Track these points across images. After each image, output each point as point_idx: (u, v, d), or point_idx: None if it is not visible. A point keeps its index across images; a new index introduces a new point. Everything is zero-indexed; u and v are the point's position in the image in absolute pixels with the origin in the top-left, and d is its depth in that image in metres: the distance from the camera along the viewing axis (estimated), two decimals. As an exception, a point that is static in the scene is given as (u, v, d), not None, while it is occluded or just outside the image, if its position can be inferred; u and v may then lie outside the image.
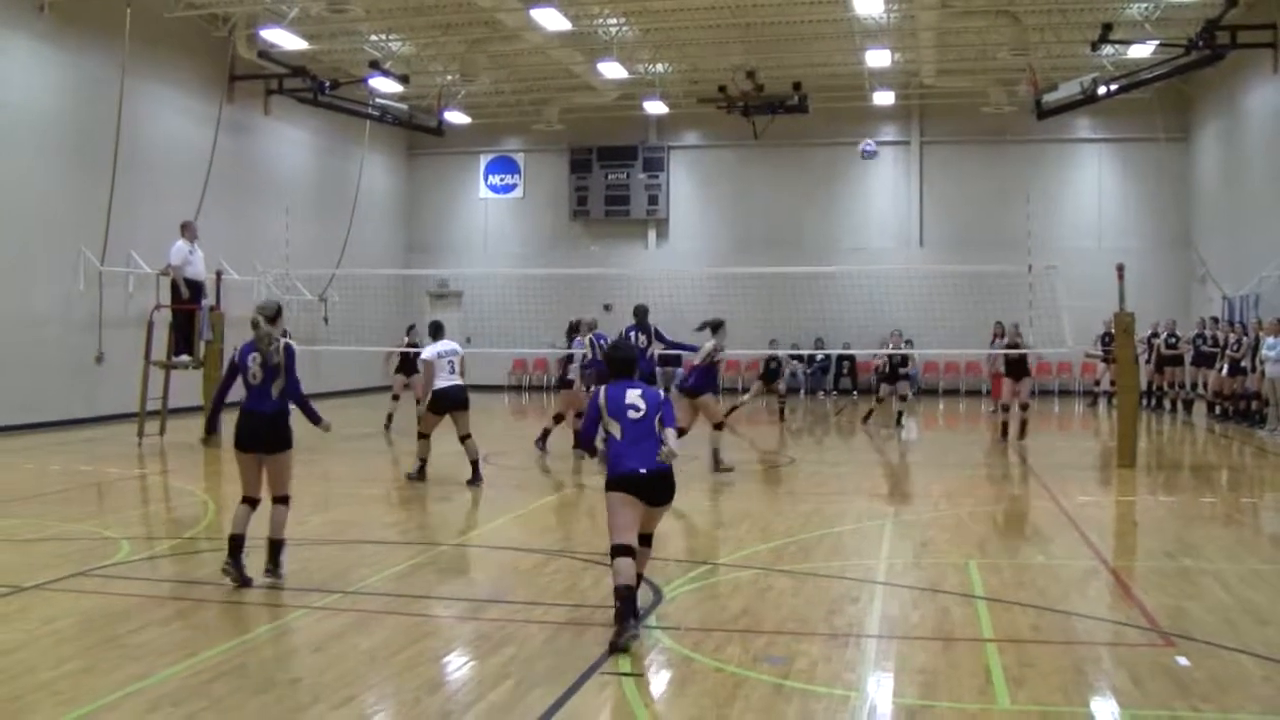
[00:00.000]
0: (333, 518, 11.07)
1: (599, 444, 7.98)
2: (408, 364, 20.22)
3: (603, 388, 7.12)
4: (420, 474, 13.14)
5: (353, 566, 8.86)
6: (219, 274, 18.04)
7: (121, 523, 10.78)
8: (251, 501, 8.08)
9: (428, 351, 13.19)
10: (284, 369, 8.02)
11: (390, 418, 19.96)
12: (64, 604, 7.42)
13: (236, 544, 7.89)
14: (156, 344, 17.46)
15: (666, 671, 6.11)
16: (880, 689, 5.86)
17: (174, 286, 17.03)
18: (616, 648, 6.26)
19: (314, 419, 8.38)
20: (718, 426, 14.41)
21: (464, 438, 13.05)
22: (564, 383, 17.02)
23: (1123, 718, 5.38)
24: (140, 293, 21.12)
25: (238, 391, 8.20)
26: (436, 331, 13.61)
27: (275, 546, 8.04)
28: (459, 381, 13.03)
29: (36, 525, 10.35)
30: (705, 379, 14.43)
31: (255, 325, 8.11)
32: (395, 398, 20.34)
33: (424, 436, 13.28)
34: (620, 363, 7.24)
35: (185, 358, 17.16)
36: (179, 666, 6.05)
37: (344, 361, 25.54)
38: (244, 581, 7.79)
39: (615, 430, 6.85)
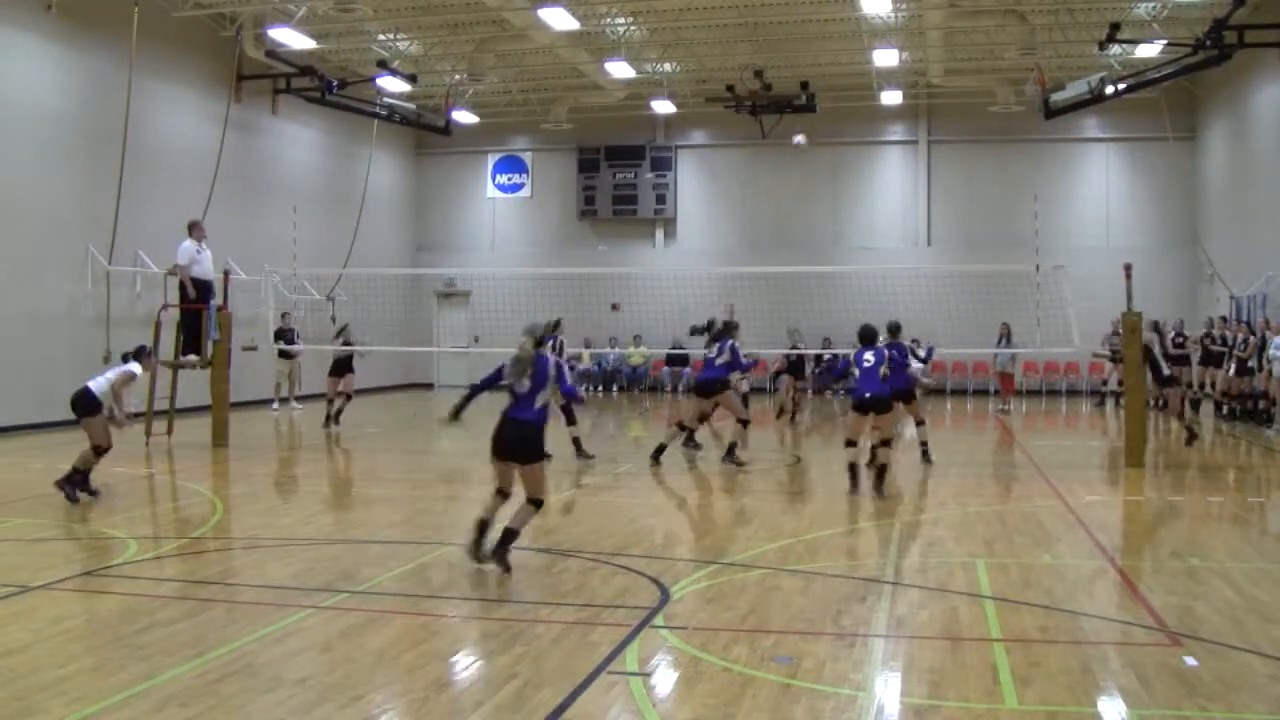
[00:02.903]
0: (340, 517, 11.09)
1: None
2: (339, 365, 20.17)
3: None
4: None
5: (360, 566, 8.88)
6: (226, 274, 18.06)
7: (129, 522, 10.80)
8: (504, 494, 8.58)
9: None
10: (553, 380, 8.52)
11: (329, 418, 19.74)
12: (71, 603, 7.45)
13: (481, 528, 8.42)
14: (164, 343, 17.49)
15: (674, 671, 6.11)
16: (888, 688, 5.85)
17: (181, 286, 17.05)
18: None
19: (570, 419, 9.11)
20: (744, 423, 14.78)
21: None
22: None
23: (1130, 718, 5.37)
24: (148, 292, 21.18)
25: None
26: None
27: (509, 535, 8.36)
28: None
29: (44, 525, 10.39)
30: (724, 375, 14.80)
31: (522, 349, 8.47)
32: (330, 400, 20.15)
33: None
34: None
35: (193, 357, 17.18)
36: (186, 666, 6.06)
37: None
38: (479, 558, 8.32)
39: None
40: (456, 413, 8.94)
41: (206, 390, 17.26)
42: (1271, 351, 18.83)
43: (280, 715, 5.38)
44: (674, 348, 28.79)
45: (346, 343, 20.09)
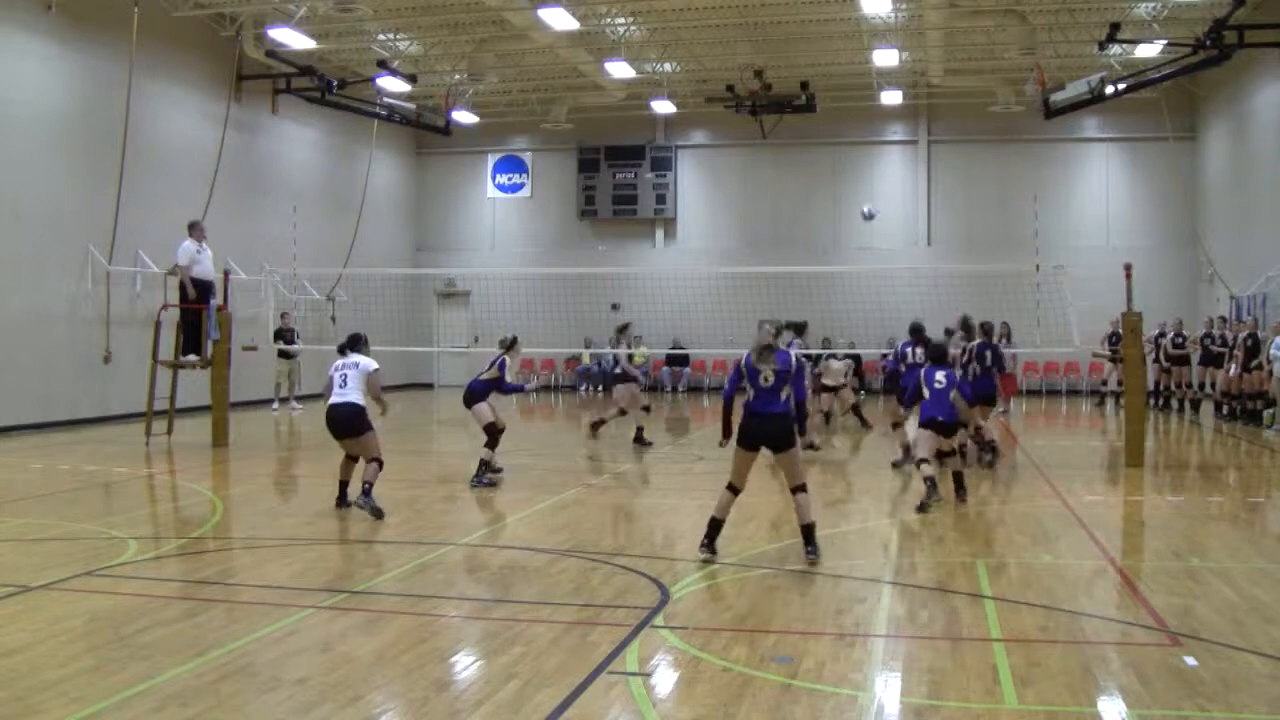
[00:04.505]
0: (339, 518, 11.07)
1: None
2: None
3: None
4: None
5: (360, 566, 8.89)
6: (226, 274, 18.06)
7: (129, 522, 10.80)
8: (735, 490, 8.85)
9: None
10: (791, 377, 8.72)
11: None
12: (71, 603, 7.44)
13: (715, 527, 8.81)
14: (164, 343, 17.48)
15: (674, 671, 6.10)
16: (888, 688, 5.85)
17: (181, 286, 17.05)
18: None
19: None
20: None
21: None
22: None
23: (1130, 718, 5.37)
24: (148, 292, 21.19)
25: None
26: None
27: (808, 529, 8.76)
28: (343, 399, 11.16)
29: (44, 525, 10.38)
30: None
31: (765, 342, 8.76)
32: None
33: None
34: None
35: (193, 357, 17.18)
36: (186, 666, 6.05)
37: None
38: (711, 552, 8.73)
39: None
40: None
41: (206, 390, 17.26)
42: (1273, 351, 18.84)
43: (280, 715, 5.38)
44: (674, 347, 28.81)
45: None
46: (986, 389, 14.11)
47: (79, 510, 11.32)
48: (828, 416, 19.42)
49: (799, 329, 16.01)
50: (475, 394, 13.43)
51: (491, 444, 13.22)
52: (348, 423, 11.10)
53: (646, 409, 17.37)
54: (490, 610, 7.44)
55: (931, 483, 11.32)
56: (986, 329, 14.60)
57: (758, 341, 8.77)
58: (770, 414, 8.64)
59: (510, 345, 13.77)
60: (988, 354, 14.15)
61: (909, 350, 14.90)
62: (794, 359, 8.81)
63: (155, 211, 21.22)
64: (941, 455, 12.05)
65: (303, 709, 5.44)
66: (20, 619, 7.05)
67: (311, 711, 5.41)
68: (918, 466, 11.75)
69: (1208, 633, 6.71)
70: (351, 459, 11.37)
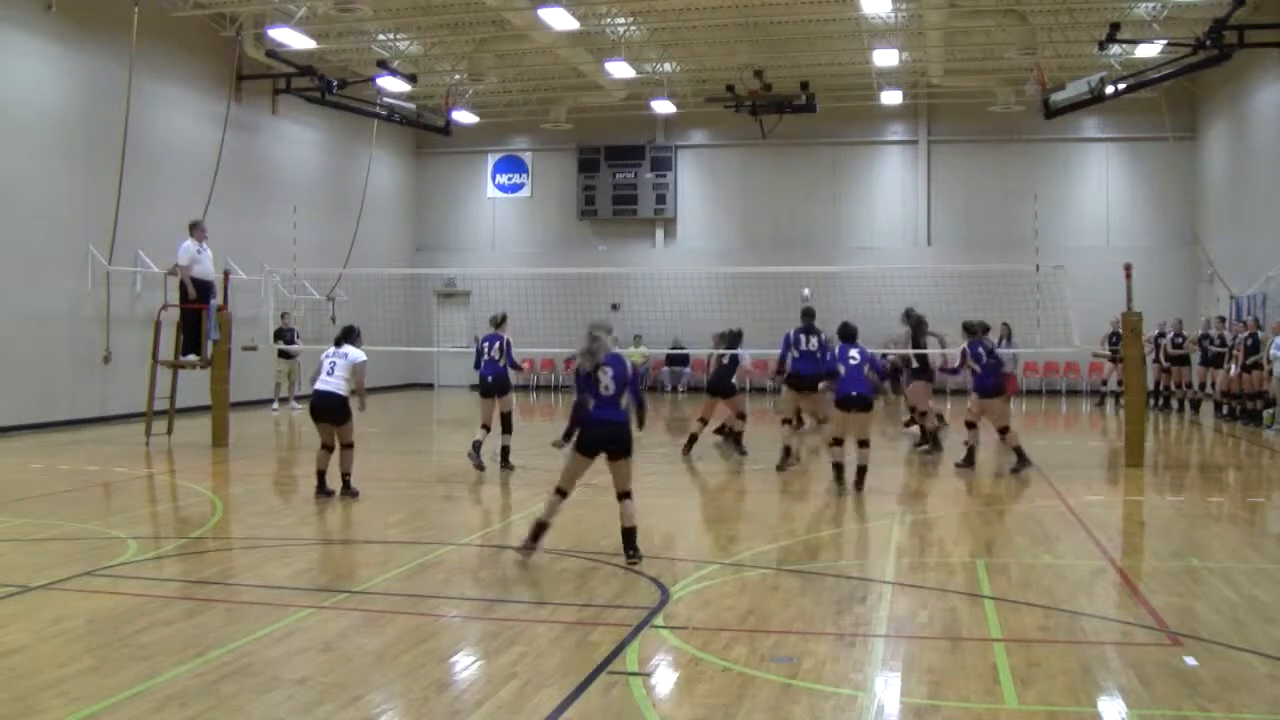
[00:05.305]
0: (340, 517, 11.09)
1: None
2: None
3: None
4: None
5: (360, 566, 8.89)
6: (226, 274, 18.06)
7: (129, 522, 10.80)
8: (563, 494, 8.89)
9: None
10: (629, 384, 8.81)
11: None
12: (71, 603, 7.44)
13: (540, 529, 8.79)
14: (164, 343, 17.48)
15: (674, 671, 6.10)
16: (888, 688, 5.85)
17: (182, 286, 17.05)
18: None
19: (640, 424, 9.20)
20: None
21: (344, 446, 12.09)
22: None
23: (1130, 718, 5.37)
24: (148, 292, 21.18)
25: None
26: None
27: (630, 533, 8.79)
28: (328, 387, 11.93)
29: (44, 525, 10.38)
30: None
31: (595, 340, 8.80)
32: None
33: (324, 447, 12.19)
34: None
35: (193, 357, 17.18)
36: (186, 666, 6.06)
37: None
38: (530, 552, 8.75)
39: None
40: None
41: (206, 390, 17.24)
42: (1273, 351, 18.84)
43: (280, 715, 5.38)
44: (674, 347, 28.81)
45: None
46: (987, 384, 14.23)
47: (79, 510, 11.32)
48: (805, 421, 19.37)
49: (734, 339, 16.07)
50: (507, 381, 14.30)
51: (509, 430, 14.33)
52: (330, 412, 11.94)
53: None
54: (490, 610, 7.44)
55: (838, 469, 12.28)
56: (971, 328, 14.68)
57: (588, 350, 8.72)
58: (610, 421, 8.69)
59: (503, 321, 14.32)
60: (981, 351, 14.22)
61: (801, 336, 14.63)
62: (629, 365, 8.83)
63: (155, 211, 21.21)
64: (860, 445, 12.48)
65: (303, 709, 5.44)
66: (20, 619, 7.05)
67: (311, 711, 5.42)
68: (830, 447, 12.59)
69: (1208, 633, 6.71)
70: (327, 449, 12.06)
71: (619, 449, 8.73)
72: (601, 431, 8.69)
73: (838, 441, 12.50)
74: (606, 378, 8.69)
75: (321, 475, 12.01)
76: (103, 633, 6.73)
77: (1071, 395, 28.88)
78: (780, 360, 14.66)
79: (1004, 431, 14.13)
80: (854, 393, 12.19)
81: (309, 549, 9.55)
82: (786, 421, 14.85)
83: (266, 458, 16.88)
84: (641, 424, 9.16)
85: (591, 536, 9.92)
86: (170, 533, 10.63)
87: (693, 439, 15.90)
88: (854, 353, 12.36)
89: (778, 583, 8.16)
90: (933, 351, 16.37)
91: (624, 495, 8.77)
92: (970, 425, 14.60)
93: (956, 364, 14.69)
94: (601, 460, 8.76)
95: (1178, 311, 24.80)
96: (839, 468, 12.38)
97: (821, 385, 13.83)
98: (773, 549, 9.39)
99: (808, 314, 14.69)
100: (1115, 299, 16.16)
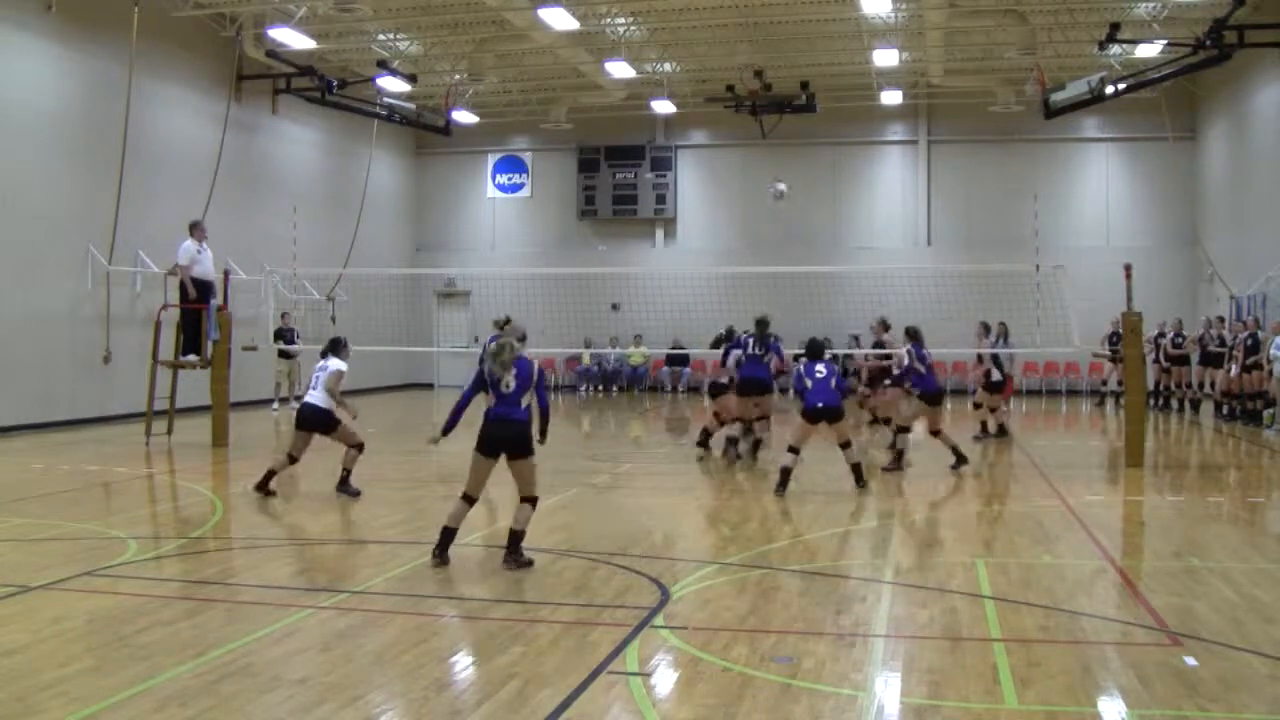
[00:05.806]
0: (339, 517, 11.09)
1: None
2: None
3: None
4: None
5: (359, 566, 8.89)
6: (226, 274, 18.05)
7: (129, 522, 10.80)
8: (470, 500, 8.72)
9: None
10: (534, 385, 8.72)
11: None
12: (71, 603, 7.44)
13: (448, 535, 8.65)
14: (164, 343, 17.48)
15: (674, 671, 6.10)
16: (888, 688, 5.85)
17: (181, 286, 17.04)
18: None
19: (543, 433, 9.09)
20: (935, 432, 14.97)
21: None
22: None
23: (1130, 718, 5.37)
24: (148, 292, 21.18)
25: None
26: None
27: (516, 537, 8.59)
28: (311, 399, 12.29)
29: (44, 525, 10.38)
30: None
31: (504, 345, 8.69)
32: None
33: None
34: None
35: (193, 357, 17.18)
36: (186, 666, 6.06)
37: (349, 361, 25.55)
38: (442, 561, 8.57)
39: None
40: None
41: (206, 390, 17.24)
42: (1273, 351, 18.84)
43: (280, 715, 5.38)
44: (674, 347, 28.81)
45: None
46: (930, 387, 14.76)
47: (79, 510, 11.33)
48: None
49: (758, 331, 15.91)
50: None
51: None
52: (310, 423, 12.21)
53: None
54: (490, 610, 7.44)
55: (786, 472, 12.32)
56: (912, 333, 15.13)
57: (497, 347, 8.66)
58: (511, 420, 8.58)
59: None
60: (926, 354, 14.90)
61: (749, 341, 15.08)
62: (535, 367, 8.75)
63: (155, 211, 21.21)
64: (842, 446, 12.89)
65: (303, 709, 5.44)
66: (20, 619, 7.04)
67: (311, 711, 5.42)
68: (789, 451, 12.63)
69: (1208, 633, 6.71)
70: (291, 459, 12.26)
71: (518, 448, 8.60)
72: (499, 430, 8.57)
73: (793, 449, 12.60)
74: (509, 375, 8.59)
75: (270, 475, 12.14)
76: (103, 633, 6.73)
77: (1071, 395, 28.88)
78: (721, 363, 15.30)
79: (936, 433, 14.69)
80: (820, 404, 12.41)
81: (309, 549, 9.55)
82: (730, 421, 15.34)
83: (266, 458, 16.80)
84: (544, 435, 9.03)
85: (591, 537, 9.92)
86: (170, 533, 10.63)
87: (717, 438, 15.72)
88: (820, 367, 12.67)
89: (778, 583, 8.16)
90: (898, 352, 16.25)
91: (525, 500, 8.64)
92: (903, 429, 14.86)
93: (905, 367, 15.17)
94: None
95: (1178, 311, 24.82)
96: (786, 471, 12.43)
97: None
98: (772, 549, 9.39)
99: (761, 323, 15.15)
100: (1115, 299, 16.15)
